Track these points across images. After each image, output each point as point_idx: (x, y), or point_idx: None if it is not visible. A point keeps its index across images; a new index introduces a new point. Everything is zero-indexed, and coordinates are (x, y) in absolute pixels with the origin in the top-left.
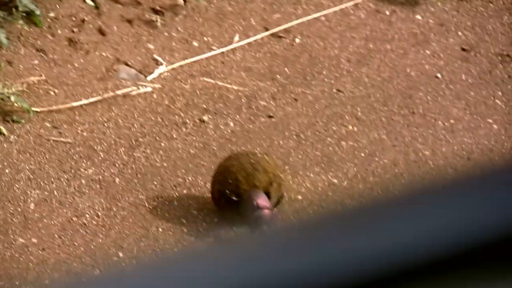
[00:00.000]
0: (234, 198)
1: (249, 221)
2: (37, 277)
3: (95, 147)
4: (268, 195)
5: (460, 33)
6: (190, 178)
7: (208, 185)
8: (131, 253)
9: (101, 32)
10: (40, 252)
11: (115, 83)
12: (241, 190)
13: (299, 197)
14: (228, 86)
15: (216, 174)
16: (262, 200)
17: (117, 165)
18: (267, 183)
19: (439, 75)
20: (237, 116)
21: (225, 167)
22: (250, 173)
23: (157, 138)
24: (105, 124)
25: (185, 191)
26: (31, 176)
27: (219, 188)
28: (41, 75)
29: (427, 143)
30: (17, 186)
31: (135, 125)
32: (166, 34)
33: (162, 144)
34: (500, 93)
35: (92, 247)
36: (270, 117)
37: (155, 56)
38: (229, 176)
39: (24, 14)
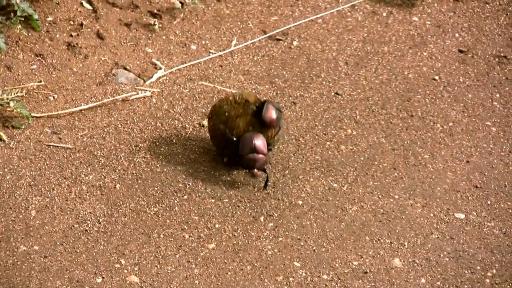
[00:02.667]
0: (234, 138)
1: (244, 161)
2: (39, 284)
3: (95, 153)
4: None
5: (457, 35)
6: (190, 183)
7: (209, 190)
8: (133, 260)
9: (100, 36)
10: (42, 259)
11: (114, 87)
12: (241, 132)
13: (300, 202)
14: (227, 89)
15: (216, 113)
16: (260, 144)
17: (117, 170)
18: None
19: (436, 77)
20: None
21: (223, 108)
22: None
23: (157, 143)
24: (105, 129)
25: (185, 197)
26: (32, 183)
27: (220, 127)
28: (40, 80)
29: (426, 146)
30: (18, 193)
31: (135, 130)
32: (164, 37)
33: (162, 149)
34: (498, 95)
35: (94, 253)
36: None
37: (153, 60)
38: (229, 117)
39: (22, 19)
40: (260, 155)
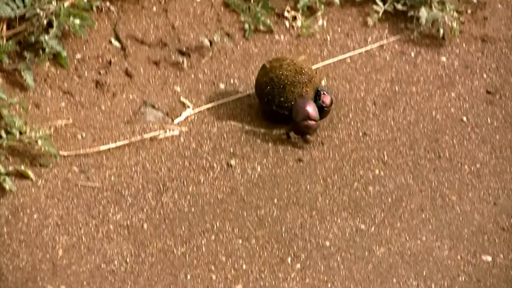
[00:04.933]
0: (286, 105)
1: (299, 128)
2: None
3: (123, 192)
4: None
5: (485, 75)
6: (218, 224)
7: (236, 230)
8: None
9: (128, 74)
10: None
11: (142, 126)
12: (291, 99)
13: (327, 243)
14: (255, 129)
15: (263, 80)
16: (312, 111)
17: (145, 210)
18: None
19: (464, 119)
20: (264, 160)
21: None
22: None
23: (185, 182)
24: (133, 168)
25: (213, 237)
26: (59, 222)
27: (268, 94)
28: (68, 119)
29: (453, 188)
30: (45, 232)
31: (163, 169)
32: (192, 76)
33: (190, 189)
34: None
35: None
36: (297, 161)
37: (182, 98)
38: (277, 84)
39: (51, 56)
40: (313, 122)
